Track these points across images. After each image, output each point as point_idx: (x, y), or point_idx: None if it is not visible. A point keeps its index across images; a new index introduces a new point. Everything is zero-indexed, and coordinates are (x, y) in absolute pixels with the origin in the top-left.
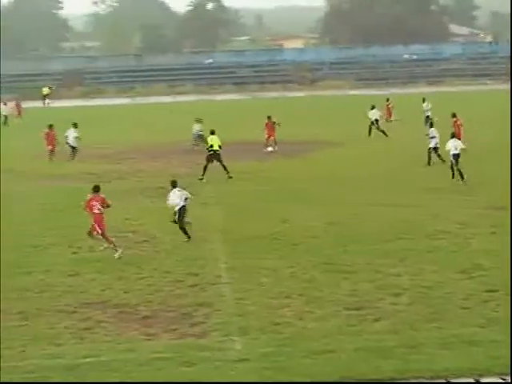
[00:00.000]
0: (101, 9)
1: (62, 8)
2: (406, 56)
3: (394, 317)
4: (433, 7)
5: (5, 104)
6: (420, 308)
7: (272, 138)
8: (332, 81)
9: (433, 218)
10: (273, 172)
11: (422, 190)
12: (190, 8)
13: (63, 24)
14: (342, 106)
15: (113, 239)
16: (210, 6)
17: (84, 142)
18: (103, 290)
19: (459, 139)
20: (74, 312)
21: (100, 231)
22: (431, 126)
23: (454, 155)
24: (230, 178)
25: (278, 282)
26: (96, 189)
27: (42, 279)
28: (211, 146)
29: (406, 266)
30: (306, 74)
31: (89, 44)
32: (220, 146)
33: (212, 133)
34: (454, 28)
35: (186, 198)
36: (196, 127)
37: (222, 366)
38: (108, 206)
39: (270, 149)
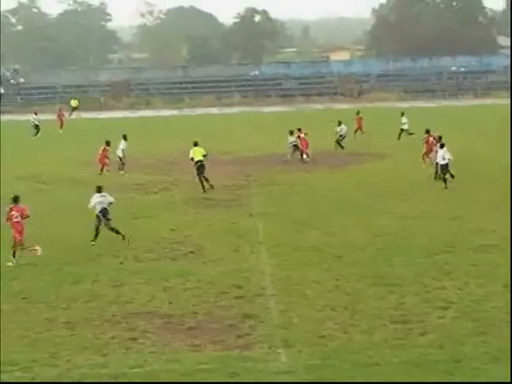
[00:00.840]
0: (148, 20)
1: (110, 20)
2: (453, 68)
3: (439, 331)
4: (480, 19)
5: (35, 114)
6: (466, 322)
7: (306, 149)
8: (379, 93)
9: (478, 231)
10: (318, 183)
11: (465, 203)
12: (236, 20)
13: (111, 36)
14: (388, 118)
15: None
16: (257, 17)
17: (131, 153)
18: (149, 301)
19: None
20: (120, 322)
21: (19, 239)
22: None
23: (442, 166)
24: (211, 187)
25: (322, 294)
26: (16, 199)
27: (89, 289)
28: (192, 158)
29: (452, 280)
30: (353, 86)
31: (136, 56)
32: (205, 155)
33: (195, 144)
34: (502, 40)
35: (110, 203)
36: (290, 139)
37: (266, 377)
38: (27, 217)
39: (307, 159)
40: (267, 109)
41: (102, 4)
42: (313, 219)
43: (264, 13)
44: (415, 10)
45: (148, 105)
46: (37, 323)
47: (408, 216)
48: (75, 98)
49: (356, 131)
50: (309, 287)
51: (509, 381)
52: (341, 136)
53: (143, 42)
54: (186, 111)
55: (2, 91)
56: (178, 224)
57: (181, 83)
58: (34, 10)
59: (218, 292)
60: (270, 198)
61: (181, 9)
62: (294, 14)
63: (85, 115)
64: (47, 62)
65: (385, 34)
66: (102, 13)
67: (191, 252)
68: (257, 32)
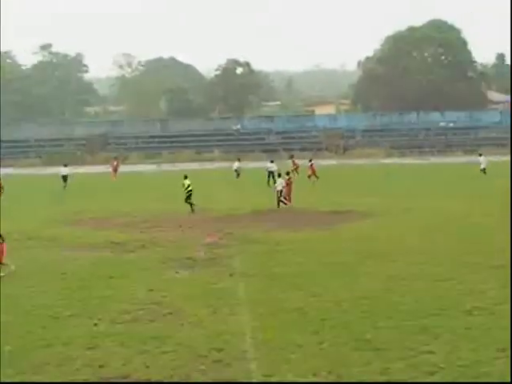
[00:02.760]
0: (126, 72)
1: (87, 71)
2: (442, 124)
3: None
4: (470, 73)
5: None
6: None
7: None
8: (365, 149)
9: (469, 292)
10: (302, 243)
11: (455, 264)
12: (218, 72)
13: (88, 88)
14: (374, 174)
15: None
16: (239, 69)
17: (107, 210)
18: (124, 364)
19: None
20: None
21: None
22: None
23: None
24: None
25: (305, 358)
26: None
27: (61, 352)
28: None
29: (441, 344)
30: (338, 142)
31: (113, 108)
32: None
33: (185, 177)
34: (493, 95)
35: None
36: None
37: None
38: None
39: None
40: (250, 164)
41: (78, 55)
42: (297, 280)
43: (246, 64)
44: (402, 63)
45: (125, 160)
46: None
47: (395, 278)
48: None
49: (309, 177)
50: (292, 351)
51: (509, 381)
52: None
53: (121, 95)
54: (164, 166)
55: None
56: (156, 284)
57: (159, 137)
58: (8, 60)
59: (197, 355)
60: (251, 257)
61: (160, 60)
62: (278, 66)
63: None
64: (19, 115)
65: (371, 88)
66: (78, 64)
67: (169, 313)
68: (239, 84)
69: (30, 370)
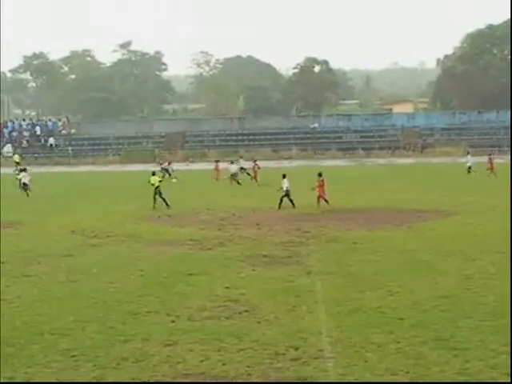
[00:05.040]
0: (204, 70)
1: (165, 69)
2: None
3: None
4: None
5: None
6: None
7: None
8: (443, 147)
9: None
10: (382, 242)
11: None
12: (296, 70)
13: (166, 86)
14: (454, 173)
15: None
16: (317, 68)
17: (184, 208)
18: (201, 361)
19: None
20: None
21: None
22: None
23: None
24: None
25: (383, 357)
26: None
27: (140, 348)
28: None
29: None
30: (416, 140)
31: (192, 106)
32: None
33: (153, 174)
34: None
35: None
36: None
37: None
38: None
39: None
40: (327, 162)
41: (157, 53)
42: (374, 278)
43: (324, 63)
44: (482, 61)
45: (203, 157)
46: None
47: (475, 277)
48: (18, 154)
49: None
50: (369, 350)
51: (509, 381)
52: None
53: (199, 92)
54: (242, 164)
55: (53, 142)
56: (233, 281)
57: (237, 135)
58: (88, 58)
59: (274, 353)
60: (329, 255)
61: (238, 58)
62: (356, 64)
63: (132, 168)
64: (99, 113)
65: (450, 86)
66: (157, 62)
67: (246, 311)
68: (317, 83)
69: (109, 364)
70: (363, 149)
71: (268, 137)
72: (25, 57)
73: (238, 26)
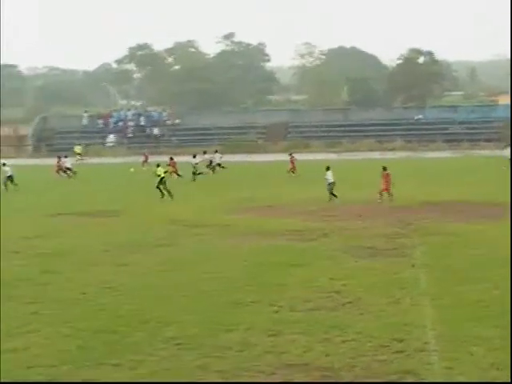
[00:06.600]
0: (307, 61)
1: (269, 60)
2: None
3: None
4: None
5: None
6: None
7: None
8: None
9: None
10: (480, 234)
11: None
12: (400, 61)
13: (270, 76)
14: None
15: None
16: (421, 59)
17: (287, 198)
18: (305, 352)
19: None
20: (274, 373)
21: None
22: None
23: None
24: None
25: (489, 352)
26: None
27: (243, 337)
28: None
29: None
30: None
31: (295, 97)
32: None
33: (158, 166)
34: None
35: None
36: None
37: None
38: None
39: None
40: (430, 154)
41: (260, 44)
42: (477, 272)
43: (429, 54)
44: None
45: (306, 148)
46: (189, 370)
47: None
48: (80, 145)
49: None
50: (474, 344)
51: (509, 381)
52: (331, 183)
53: (302, 84)
54: (345, 155)
55: (157, 132)
56: (336, 273)
57: (340, 126)
58: (192, 49)
59: (377, 345)
60: (431, 248)
61: (341, 49)
62: (461, 56)
63: (236, 159)
64: (201, 103)
65: None
66: (260, 53)
67: (349, 302)
68: (421, 74)
69: (213, 353)
70: (468, 140)
71: (372, 128)
72: (130, 48)
73: (342, 17)
